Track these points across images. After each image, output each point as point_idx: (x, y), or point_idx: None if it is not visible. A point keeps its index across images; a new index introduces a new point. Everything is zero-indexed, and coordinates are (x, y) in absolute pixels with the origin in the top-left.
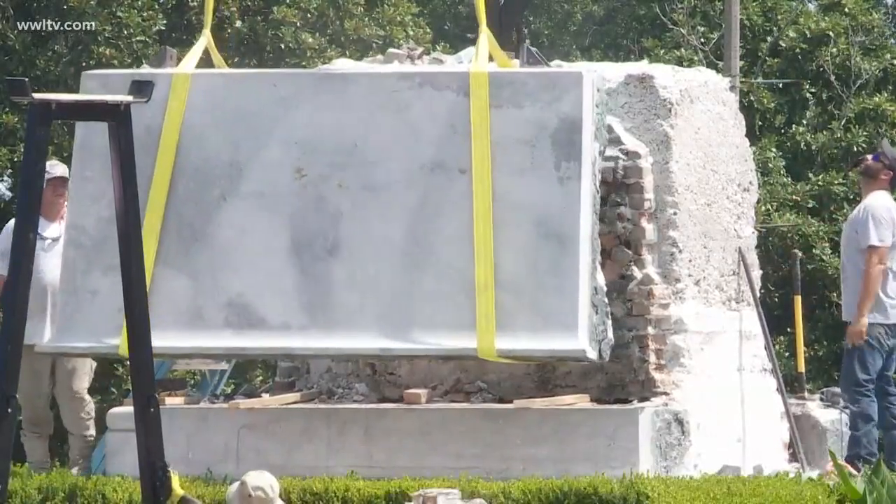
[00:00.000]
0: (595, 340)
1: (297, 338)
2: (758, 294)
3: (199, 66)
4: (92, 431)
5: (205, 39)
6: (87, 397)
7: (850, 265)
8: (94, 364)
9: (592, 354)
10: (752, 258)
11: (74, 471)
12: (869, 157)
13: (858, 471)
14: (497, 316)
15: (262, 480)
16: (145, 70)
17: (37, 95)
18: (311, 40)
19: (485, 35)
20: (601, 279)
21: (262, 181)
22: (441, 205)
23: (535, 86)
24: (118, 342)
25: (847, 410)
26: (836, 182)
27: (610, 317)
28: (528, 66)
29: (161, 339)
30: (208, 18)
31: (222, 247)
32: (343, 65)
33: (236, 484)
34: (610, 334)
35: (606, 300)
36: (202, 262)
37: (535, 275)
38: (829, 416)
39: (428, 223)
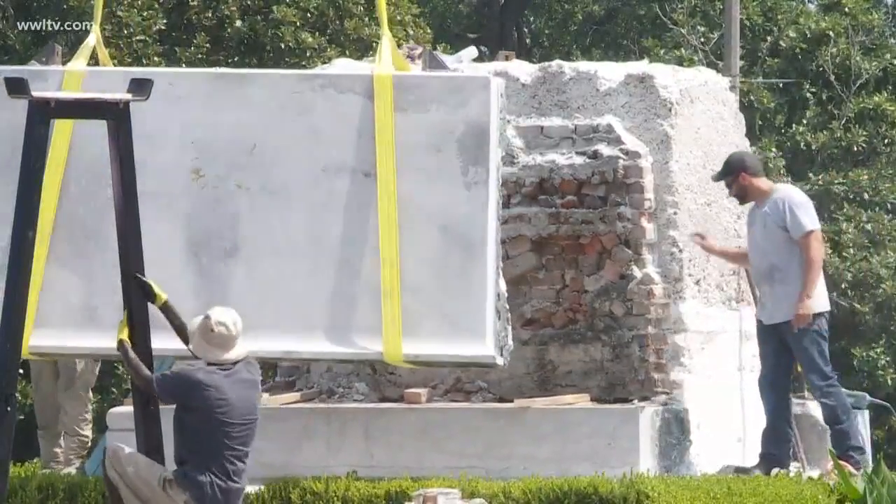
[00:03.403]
0: (499, 346)
1: None
2: (757, 294)
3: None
4: (88, 432)
5: (94, 36)
6: (88, 398)
7: (784, 262)
8: (98, 364)
9: (500, 361)
10: None
11: (69, 470)
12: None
13: (858, 468)
14: (403, 320)
15: (226, 316)
16: (34, 67)
17: (35, 94)
18: (311, 40)
19: (386, 38)
20: (503, 285)
21: (158, 181)
22: (345, 208)
23: (442, 90)
24: None
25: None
26: (836, 182)
27: (510, 322)
28: (430, 71)
29: (52, 339)
30: (98, 14)
31: (117, 247)
32: (343, 64)
33: (200, 317)
34: (510, 340)
35: (508, 306)
36: (96, 262)
37: (441, 280)
38: None
39: (331, 226)
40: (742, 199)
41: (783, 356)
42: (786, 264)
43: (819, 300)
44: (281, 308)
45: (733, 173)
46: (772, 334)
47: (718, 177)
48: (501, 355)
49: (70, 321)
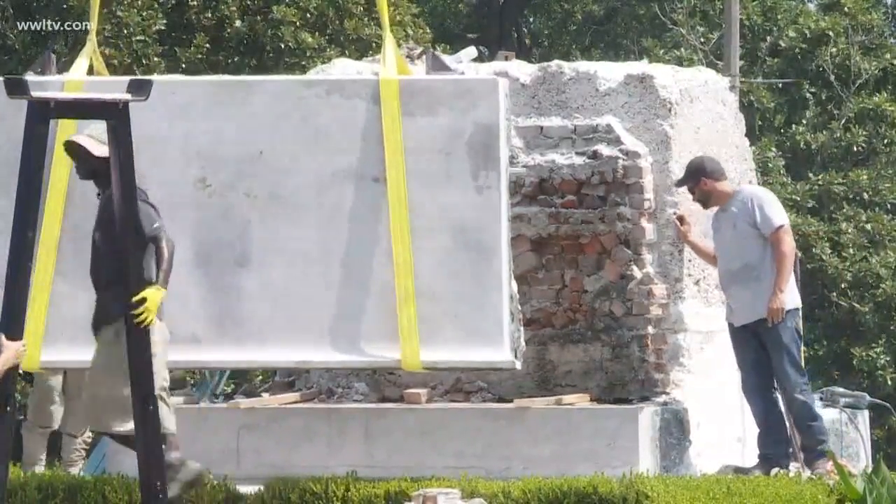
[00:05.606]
0: (513, 349)
1: (207, 350)
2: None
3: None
4: (89, 434)
5: (91, 44)
6: None
7: (758, 259)
8: None
9: (518, 364)
10: None
11: (72, 471)
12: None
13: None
14: (420, 327)
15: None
16: (31, 78)
17: (35, 94)
18: (310, 40)
19: (389, 41)
20: (515, 286)
21: (164, 191)
22: (355, 214)
23: (449, 93)
24: None
25: (797, 402)
26: (835, 182)
27: (522, 323)
28: (433, 72)
29: (63, 353)
30: (94, 22)
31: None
32: (343, 64)
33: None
34: (523, 341)
35: (520, 307)
36: None
37: (456, 285)
38: (829, 416)
39: (342, 233)
40: (705, 204)
41: (762, 355)
42: (759, 261)
43: (791, 295)
44: (294, 317)
45: (694, 178)
46: (747, 336)
47: (680, 182)
48: (517, 357)
49: (79, 335)
